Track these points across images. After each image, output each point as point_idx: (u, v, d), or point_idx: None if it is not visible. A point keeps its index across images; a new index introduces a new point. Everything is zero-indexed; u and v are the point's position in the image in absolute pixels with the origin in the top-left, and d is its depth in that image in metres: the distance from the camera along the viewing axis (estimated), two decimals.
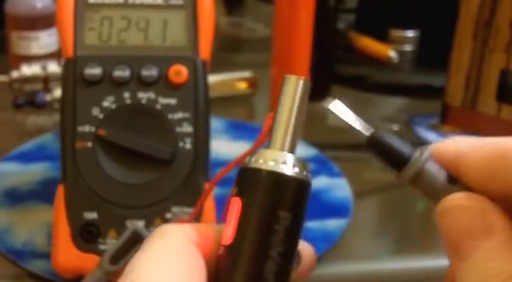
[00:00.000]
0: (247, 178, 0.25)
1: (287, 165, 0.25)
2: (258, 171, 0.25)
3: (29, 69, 0.78)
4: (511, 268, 0.22)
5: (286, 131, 0.26)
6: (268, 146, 0.26)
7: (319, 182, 0.63)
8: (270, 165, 0.25)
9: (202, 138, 0.50)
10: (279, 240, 0.24)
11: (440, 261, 0.30)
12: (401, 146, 0.25)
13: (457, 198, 0.24)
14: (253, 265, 0.24)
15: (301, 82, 0.26)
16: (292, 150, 0.26)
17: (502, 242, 0.22)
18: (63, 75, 0.51)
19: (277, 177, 0.25)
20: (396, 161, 0.25)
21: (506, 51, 0.69)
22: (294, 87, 0.26)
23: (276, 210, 0.24)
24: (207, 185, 0.49)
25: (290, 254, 0.25)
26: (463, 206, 0.23)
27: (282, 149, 0.25)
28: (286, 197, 0.25)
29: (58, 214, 0.49)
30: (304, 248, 0.27)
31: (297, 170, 0.25)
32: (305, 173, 0.25)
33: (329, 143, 0.74)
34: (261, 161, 0.25)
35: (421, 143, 0.80)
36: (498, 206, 0.23)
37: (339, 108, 0.26)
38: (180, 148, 0.49)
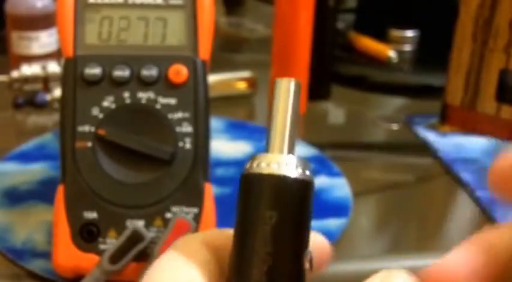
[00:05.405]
0: (240, 182, 0.26)
1: (278, 165, 0.25)
2: (245, 175, 0.25)
3: (29, 69, 0.78)
4: None
5: (284, 133, 0.26)
6: (266, 150, 0.26)
7: (318, 182, 0.63)
8: (254, 167, 0.25)
9: (202, 138, 0.50)
10: (266, 240, 0.24)
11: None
12: None
13: None
14: (239, 263, 0.24)
15: (292, 84, 0.26)
16: (291, 151, 0.26)
17: None
18: (63, 75, 0.51)
19: (257, 177, 0.25)
20: None
21: (506, 51, 0.69)
22: (287, 89, 0.26)
23: (259, 209, 0.24)
24: None
25: (283, 254, 0.25)
26: None
27: (280, 151, 0.25)
28: (268, 195, 0.24)
29: (58, 214, 0.49)
30: (317, 245, 0.26)
31: (291, 168, 0.25)
32: (300, 171, 0.25)
33: (329, 143, 0.74)
34: (254, 165, 0.25)
35: (420, 142, 0.80)
36: None
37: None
38: (180, 148, 0.49)
